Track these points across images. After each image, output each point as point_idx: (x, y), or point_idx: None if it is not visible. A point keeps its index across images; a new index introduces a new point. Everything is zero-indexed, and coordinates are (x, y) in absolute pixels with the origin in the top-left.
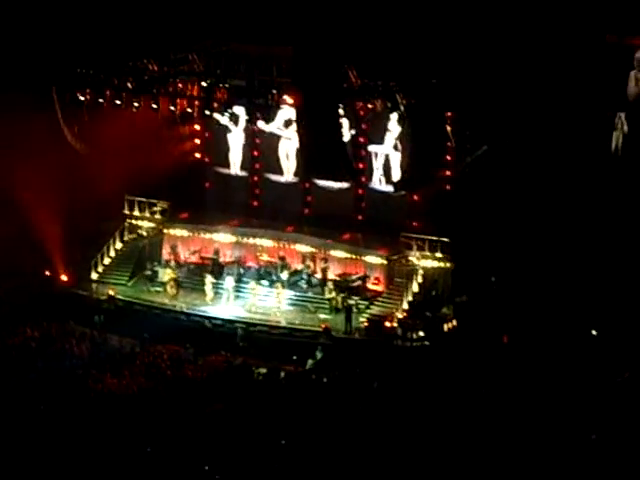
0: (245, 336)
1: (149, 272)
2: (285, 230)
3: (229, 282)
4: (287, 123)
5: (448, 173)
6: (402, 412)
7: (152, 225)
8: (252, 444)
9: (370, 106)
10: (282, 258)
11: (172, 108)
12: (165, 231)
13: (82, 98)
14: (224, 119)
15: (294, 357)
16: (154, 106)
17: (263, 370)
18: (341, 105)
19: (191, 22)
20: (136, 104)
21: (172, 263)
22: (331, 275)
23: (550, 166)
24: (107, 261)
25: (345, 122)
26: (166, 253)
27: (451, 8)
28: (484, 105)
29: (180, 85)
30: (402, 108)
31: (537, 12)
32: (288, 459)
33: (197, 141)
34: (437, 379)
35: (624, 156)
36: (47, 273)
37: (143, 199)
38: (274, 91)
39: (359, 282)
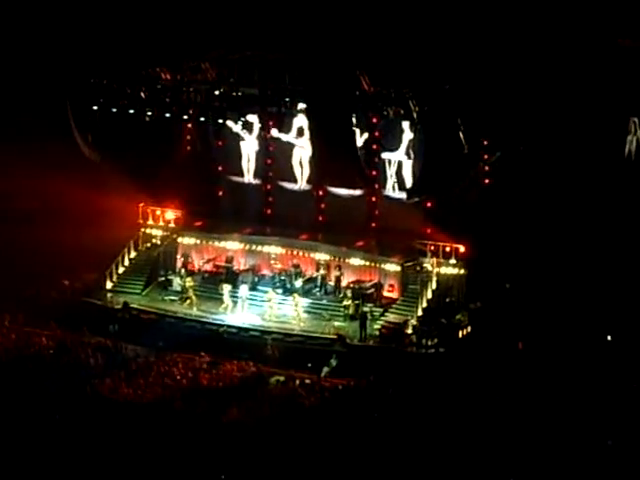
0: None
1: (163, 281)
2: (299, 238)
3: (243, 290)
4: (300, 131)
5: (462, 180)
6: (417, 418)
7: (166, 234)
8: (267, 452)
9: (383, 113)
10: (296, 266)
11: (185, 117)
12: (179, 240)
13: (95, 107)
14: (237, 127)
15: (309, 364)
16: (167, 115)
17: (282, 378)
18: (354, 113)
19: (203, 31)
20: (149, 113)
21: (183, 272)
22: (345, 282)
23: (564, 172)
24: (121, 270)
25: (358, 129)
26: (180, 262)
27: (463, 15)
28: (497, 111)
29: (193, 94)
30: (415, 115)
31: (551, 18)
32: (303, 466)
33: (210, 149)
34: (452, 386)
35: (638, 160)
36: (64, 282)
37: (157, 208)
38: (287, 99)
39: (373, 289)
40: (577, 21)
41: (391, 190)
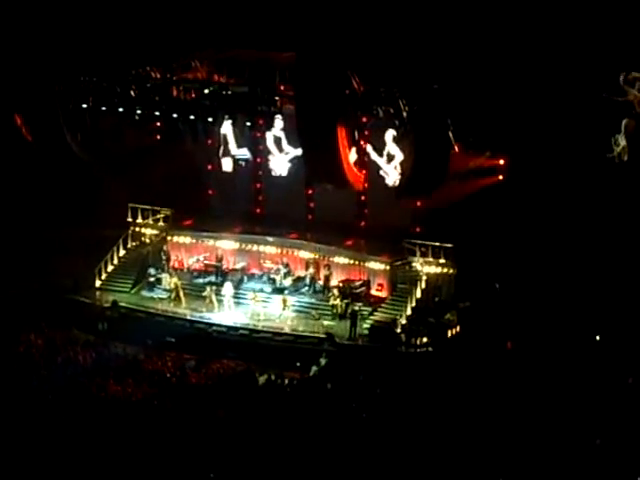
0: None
1: (152, 279)
2: (288, 237)
3: (228, 289)
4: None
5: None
6: (406, 418)
7: (155, 232)
8: (256, 451)
9: (373, 112)
10: (285, 265)
11: (175, 115)
12: (168, 238)
13: (85, 106)
14: (226, 127)
15: (298, 364)
16: (157, 113)
17: (268, 377)
18: (344, 112)
19: (193, 29)
20: (139, 111)
21: (170, 270)
22: (334, 281)
23: (554, 172)
24: (110, 268)
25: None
26: (172, 260)
27: (452, 14)
28: (487, 111)
29: (183, 92)
30: (405, 114)
31: (539, 16)
32: (291, 465)
33: (201, 148)
34: (441, 385)
35: (628, 162)
36: (51, 280)
37: (146, 206)
38: (277, 98)
39: (362, 288)
40: (567, 18)
41: (381, 189)
